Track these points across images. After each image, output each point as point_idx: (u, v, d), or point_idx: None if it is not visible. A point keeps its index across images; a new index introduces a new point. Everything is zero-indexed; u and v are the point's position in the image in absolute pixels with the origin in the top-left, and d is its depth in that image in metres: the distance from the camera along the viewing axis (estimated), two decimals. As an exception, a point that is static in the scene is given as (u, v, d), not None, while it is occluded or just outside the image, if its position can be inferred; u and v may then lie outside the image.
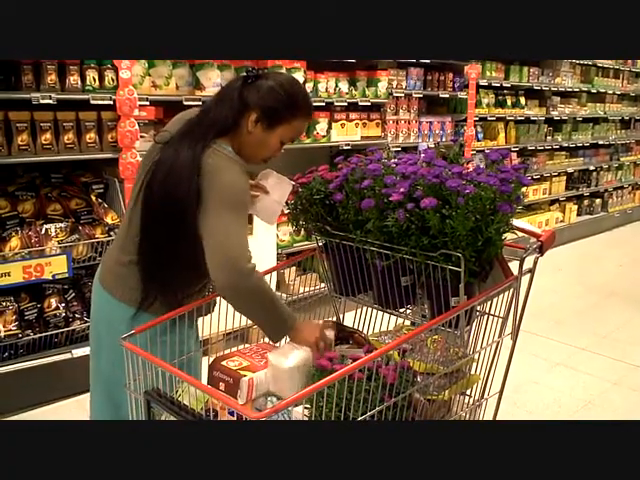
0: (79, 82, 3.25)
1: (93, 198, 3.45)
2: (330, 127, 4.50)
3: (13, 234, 3.14)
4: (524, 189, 1.64)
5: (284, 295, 3.06)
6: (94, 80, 3.30)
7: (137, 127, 3.33)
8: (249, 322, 1.90)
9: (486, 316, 1.75)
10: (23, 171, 3.54)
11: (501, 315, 1.74)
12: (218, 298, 1.88)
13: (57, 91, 3.16)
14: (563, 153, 7.26)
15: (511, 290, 1.70)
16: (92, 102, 3.26)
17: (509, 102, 6.37)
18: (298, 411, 1.48)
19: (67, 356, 3.23)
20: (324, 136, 4.48)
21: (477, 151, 5.77)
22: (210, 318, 1.92)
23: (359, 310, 2.07)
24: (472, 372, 1.77)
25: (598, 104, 7.79)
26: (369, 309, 2.02)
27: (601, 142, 7.83)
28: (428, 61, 5.19)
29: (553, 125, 7.08)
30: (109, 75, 3.33)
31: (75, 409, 3.10)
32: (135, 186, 1.78)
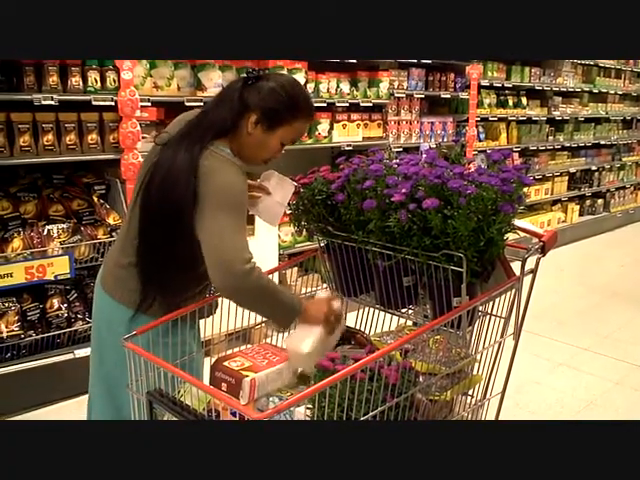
0: (81, 83, 3.25)
1: (95, 199, 3.45)
2: (332, 128, 4.50)
3: (15, 235, 3.15)
4: (526, 189, 1.64)
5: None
6: (96, 81, 3.30)
7: (139, 128, 3.34)
8: (251, 323, 1.91)
9: (488, 316, 1.75)
10: (25, 172, 3.55)
11: (503, 315, 1.74)
12: (220, 300, 1.88)
13: (59, 92, 3.17)
14: (565, 153, 7.25)
15: (513, 290, 1.70)
16: (94, 103, 3.27)
17: (511, 102, 6.37)
18: (300, 411, 1.49)
19: (69, 357, 3.23)
20: (326, 137, 4.48)
21: (479, 151, 5.76)
22: (212, 319, 1.92)
23: (361, 310, 2.07)
24: (474, 372, 1.77)
25: (600, 104, 7.78)
26: (371, 309, 2.02)
27: (603, 142, 7.82)
28: (429, 61, 5.19)
29: (555, 125, 7.07)
30: (111, 76, 3.33)
31: (77, 409, 3.10)
32: (135, 188, 1.79)
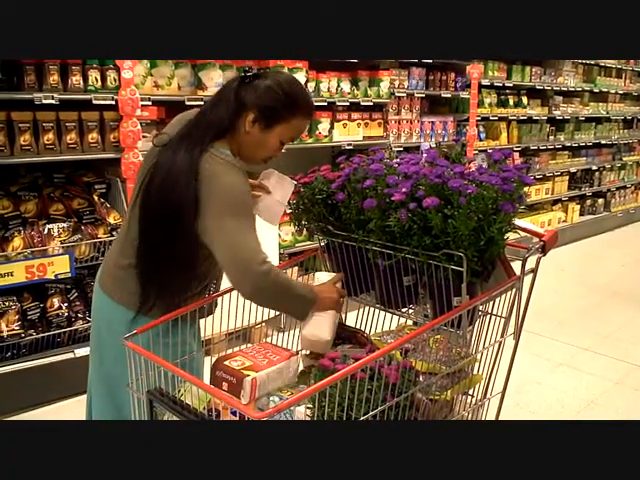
0: (81, 82, 3.26)
1: (95, 198, 3.45)
2: (332, 127, 4.50)
3: (16, 234, 3.15)
4: (526, 189, 1.64)
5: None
6: (96, 80, 3.30)
7: (139, 127, 3.34)
8: (251, 322, 1.91)
9: (488, 316, 1.75)
10: (26, 171, 3.55)
11: (503, 315, 1.74)
12: (220, 299, 1.88)
13: (59, 91, 3.17)
14: (565, 153, 7.25)
15: (513, 290, 1.70)
16: (94, 102, 3.27)
17: (511, 102, 6.37)
18: (300, 411, 1.48)
19: (69, 356, 3.23)
20: (326, 136, 4.48)
21: (479, 151, 5.76)
22: (212, 318, 1.92)
23: (361, 310, 2.07)
24: (474, 372, 1.77)
25: (601, 103, 7.78)
26: (371, 309, 2.02)
27: (604, 142, 7.82)
28: (430, 61, 5.19)
29: (555, 125, 7.07)
30: (111, 75, 3.33)
31: (77, 409, 3.10)
32: (134, 189, 1.78)
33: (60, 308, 3.28)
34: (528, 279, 1.71)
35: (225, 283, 1.89)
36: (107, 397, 1.82)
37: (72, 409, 3.11)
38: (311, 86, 4.29)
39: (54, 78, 3.15)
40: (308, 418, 1.45)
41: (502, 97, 6.28)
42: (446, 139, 5.50)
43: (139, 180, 1.76)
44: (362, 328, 2.02)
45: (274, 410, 1.25)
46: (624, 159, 8.24)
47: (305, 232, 2.03)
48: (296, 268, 4.15)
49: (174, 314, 1.71)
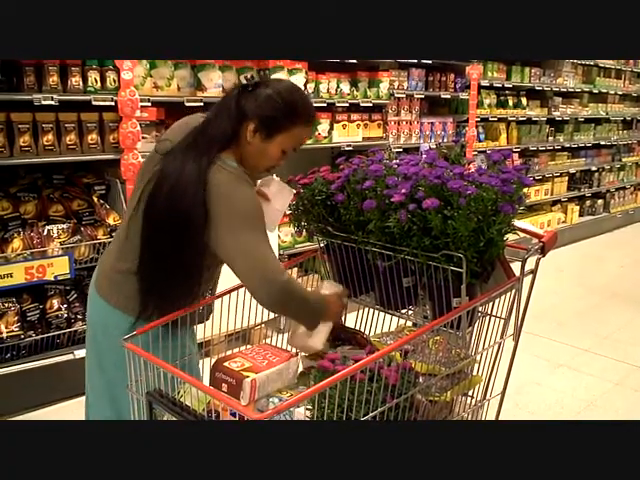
0: (81, 83, 3.25)
1: (95, 199, 3.45)
2: (332, 128, 4.50)
3: (15, 235, 3.15)
4: (526, 190, 1.64)
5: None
6: (96, 81, 3.30)
7: (139, 128, 3.34)
8: (251, 323, 1.91)
9: (488, 317, 1.75)
10: (25, 172, 3.55)
11: (503, 316, 1.74)
12: (220, 300, 1.88)
13: (59, 92, 3.17)
14: (565, 154, 7.25)
15: (513, 291, 1.70)
16: (94, 103, 3.27)
17: (511, 103, 6.37)
18: (300, 412, 1.48)
19: (69, 357, 3.23)
20: (325, 137, 4.48)
21: (479, 152, 5.76)
22: (212, 320, 1.92)
23: (361, 311, 2.07)
24: (474, 373, 1.77)
25: (600, 104, 7.79)
26: (371, 310, 2.02)
27: (603, 143, 7.83)
28: (429, 62, 5.19)
29: (555, 126, 7.08)
30: (111, 76, 3.33)
31: (77, 410, 3.09)
32: (134, 195, 1.76)
33: (59, 309, 3.28)
34: (527, 280, 1.71)
35: (221, 286, 1.90)
36: (108, 401, 1.81)
37: (72, 410, 3.11)
38: (310, 87, 4.29)
39: (53, 79, 3.14)
40: (308, 419, 1.45)
41: (501, 98, 6.28)
42: (445, 140, 5.50)
43: (139, 186, 1.74)
44: (362, 329, 2.02)
45: (274, 411, 1.25)
46: (623, 160, 8.25)
47: (305, 233, 2.03)
48: (296, 269, 4.16)
49: (172, 316, 1.71)
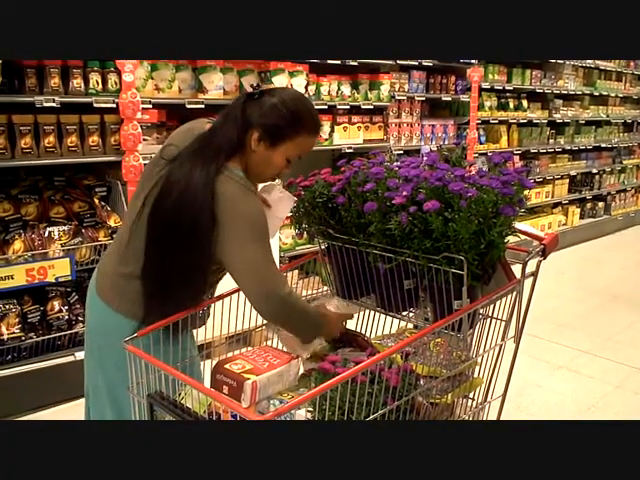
0: (82, 85, 3.26)
1: (96, 201, 3.45)
2: (332, 130, 4.51)
3: (16, 237, 3.15)
4: (526, 192, 1.64)
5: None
6: (97, 83, 3.31)
7: (140, 130, 3.34)
8: (251, 325, 1.91)
9: (489, 319, 1.75)
10: (26, 174, 3.55)
11: (504, 318, 1.74)
12: (221, 301, 1.88)
13: (60, 94, 3.17)
14: (566, 156, 7.25)
15: (514, 293, 1.70)
16: (95, 105, 3.27)
17: (511, 105, 6.37)
18: (301, 414, 1.48)
19: (70, 359, 3.23)
20: (326, 139, 4.48)
21: (480, 154, 5.76)
22: (213, 322, 1.92)
23: (362, 313, 2.07)
24: (475, 375, 1.77)
25: (601, 107, 7.78)
26: (372, 312, 2.02)
27: (604, 145, 7.82)
28: (430, 64, 5.19)
29: (556, 128, 7.08)
30: (112, 78, 3.34)
31: (78, 411, 3.08)
32: (136, 199, 1.76)
33: (60, 311, 3.28)
34: (528, 282, 1.72)
35: (222, 289, 1.90)
36: (108, 404, 1.81)
37: (73, 412, 3.10)
38: (311, 89, 4.29)
39: (55, 81, 3.15)
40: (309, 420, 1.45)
41: (502, 100, 6.28)
42: (446, 142, 5.50)
43: (143, 190, 1.73)
44: (362, 331, 2.02)
45: (275, 413, 1.25)
46: (624, 162, 8.24)
47: (305, 235, 2.03)
48: (296, 271, 4.16)
49: (173, 318, 1.70)
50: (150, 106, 3.47)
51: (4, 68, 3.01)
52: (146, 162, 3.17)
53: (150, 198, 1.70)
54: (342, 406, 1.38)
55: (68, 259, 3.13)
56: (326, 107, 4.39)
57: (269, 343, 2.02)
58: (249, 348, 1.85)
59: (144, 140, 3.39)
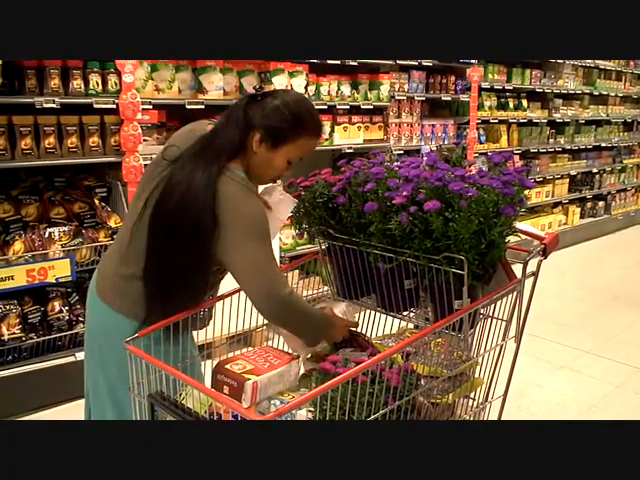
0: (82, 86, 3.26)
1: (96, 202, 3.45)
2: (333, 130, 4.50)
3: (17, 238, 3.15)
4: (527, 192, 1.64)
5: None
6: (97, 84, 3.31)
7: (140, 131, 3.34)
8: (252, 326, 1.91)
9: (489, 319, 1.75)
10: (26, 175, 3.55)
11: (504, 318, 1.74)
12: (221, 302, 1.88)
13: (60, 95, 3.17)
14: (566, 156, 7.25)
15: (514, 293, 1.70)
16: (95, 106, 3.27)
17: (511, 105, 6.37)
18: (302, 414, 1.48)
19: (70, 359, 3.23)
20: (327, 139, 4.48)
21: (480, 154, 5.76)
22: (213, 322, 1.92)
23: (362, 313, 2.07)
24: (476, 375, 1.77)
25: (601, 106, 7.78)
26: (372, 312, 2.02)
27: (604, 144, 7.82)
28: (430, 64, 5.19)
29: (556, 127, 7.08)
30: (112, 79, 3.34)
31: (78, 412, 3.08)
32: (138, 200, 1.76)
33: (61, 312, 3.28)
34: (529, 282, 1.72)
35: (223, 289, 1.90)
36: (109, 404, 1.81)
37: (73, 412, 3.10)
38: (311, 89, 4.29)
39: (55, 82, 3.15)
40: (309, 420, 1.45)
41: (502, 100, 6.28)
42: (446, 142, 5.50)
43: (144, 191, 1.74)
44: (363, 331, 2.02)
45: (275, 414, 1.25)
46: (624, 162, 8.24)
47: (306, 235, 2.03)
48: (297, 271, 4.16)
49: (174, 318, 1.71)
50: (150, 107, 3.47)
51: (4, 69, 3.01)
52: (146, 163, 3.16)
53: (152, 199, 1.70)
54: (343, 406, 1.38)
55: (68, 260, 3.14)
56: (326, 107, 4.39)
57: (270, 343, 2.02)
58: (250, 348, 1.85)
59: (144, 141, 3.39)
